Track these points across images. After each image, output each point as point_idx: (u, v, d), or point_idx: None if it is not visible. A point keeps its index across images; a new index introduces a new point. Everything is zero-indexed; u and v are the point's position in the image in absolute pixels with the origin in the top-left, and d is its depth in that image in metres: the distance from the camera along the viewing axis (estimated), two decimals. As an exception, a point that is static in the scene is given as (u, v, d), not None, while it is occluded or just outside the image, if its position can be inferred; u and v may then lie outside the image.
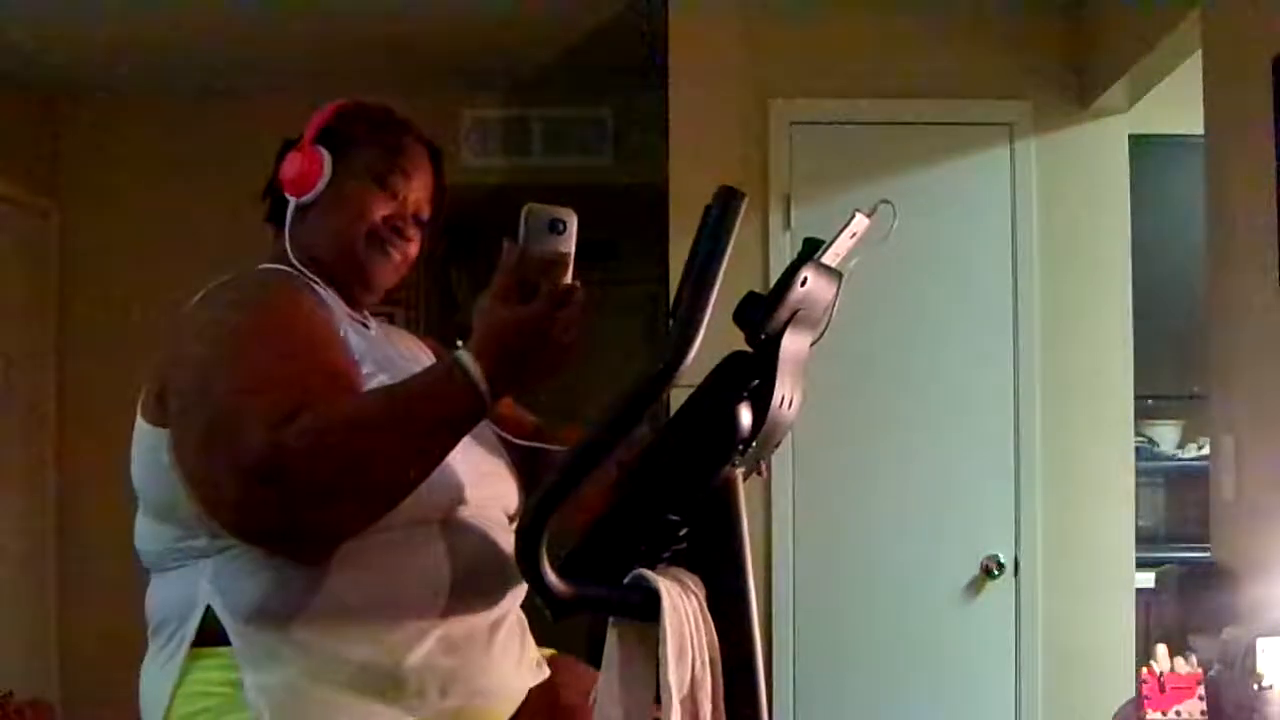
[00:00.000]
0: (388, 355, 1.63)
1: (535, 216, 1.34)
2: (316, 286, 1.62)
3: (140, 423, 1.51)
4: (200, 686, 1.45)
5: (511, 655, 1.58)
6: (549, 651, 1.71)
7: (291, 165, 1.63)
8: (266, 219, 1.70)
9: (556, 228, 1.34)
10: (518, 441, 1.69)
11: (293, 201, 1.63)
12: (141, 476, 1.52)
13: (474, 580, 1.51)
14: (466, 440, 1.57)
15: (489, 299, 1.35)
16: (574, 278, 1.36)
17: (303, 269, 1.63)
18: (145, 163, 5.02)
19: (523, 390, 1.41)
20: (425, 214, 1.69)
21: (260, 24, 4.32)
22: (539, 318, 1.33)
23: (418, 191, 1.67)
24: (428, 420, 1.37)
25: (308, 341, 1.48)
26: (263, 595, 1.42)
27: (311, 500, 1.31)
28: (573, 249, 1.35)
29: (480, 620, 1.52)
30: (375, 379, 1.52)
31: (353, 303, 1.68)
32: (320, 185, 1.62)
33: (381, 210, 1.63)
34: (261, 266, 1.65)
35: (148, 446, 1.49)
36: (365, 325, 1.69)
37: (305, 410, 1.32)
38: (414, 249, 1.68)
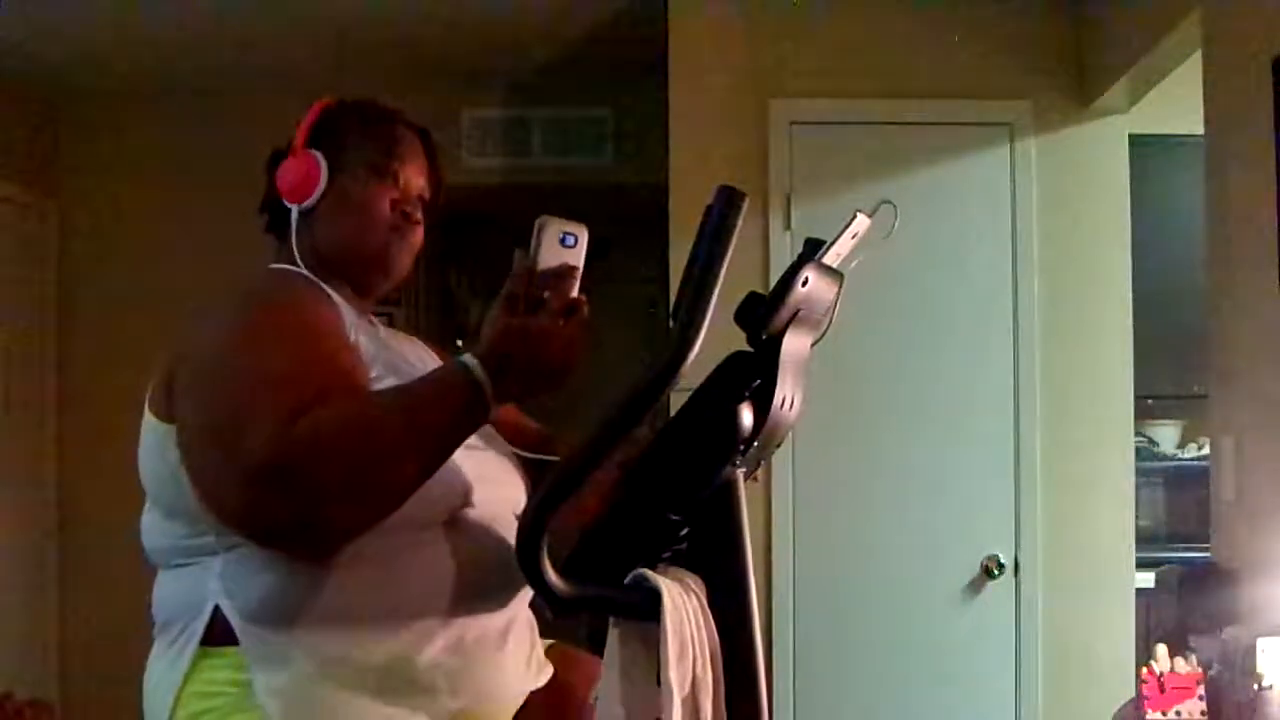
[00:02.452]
0: (396, 358, 1.64)
1: (548, 229, 1.37)
2: (326, 288, 1.62)
3: (148, 417, 1.50)
4: (208, 686, 1.45)
5: (521, 657, 1.59)
6: (548, 642, 1.71)
7: (288, 173, 1.64)
8: (267, 231, 1.70)
9: (567, 241, 1.37)
10: (523, 454, 1.70)
11: (295, 209, 1.63)
12: (148, 472, 1.51)
13: (482, 580, 1.51)
14: (472, 442, 1.57)
15: (497, 307, 1.37)
16: (580, 290, 1.38)
17: (310, 272, 1.62)
18: (145, 163, 5.02)
19: (525, 398, 1.43)
20: (426, 196, 1.71)
21: (259, 24, 4.32)
22: (544, 328, 1.35)
23: (416, 176, 1.69)
24: (432, 422, 1.37)
25: (317, 342, 1.48)
26: (271, 595, 1.42)
27: (316, 500, 1.32)
28: (582, 263, 1.38)
29: (492, 622, 1.53)
30: (384, 381, 1.52)
31: (366, 297, 1.69)
32: (320, 189, 1.62)
33: (388, 199, 1.65)
34: (273, 266, 1.65)
35: (155, 441, 1.49)
36: (372, 325, 1.69)
37: (311, 411, 1.32)
38: (421, 232, 1.70)
